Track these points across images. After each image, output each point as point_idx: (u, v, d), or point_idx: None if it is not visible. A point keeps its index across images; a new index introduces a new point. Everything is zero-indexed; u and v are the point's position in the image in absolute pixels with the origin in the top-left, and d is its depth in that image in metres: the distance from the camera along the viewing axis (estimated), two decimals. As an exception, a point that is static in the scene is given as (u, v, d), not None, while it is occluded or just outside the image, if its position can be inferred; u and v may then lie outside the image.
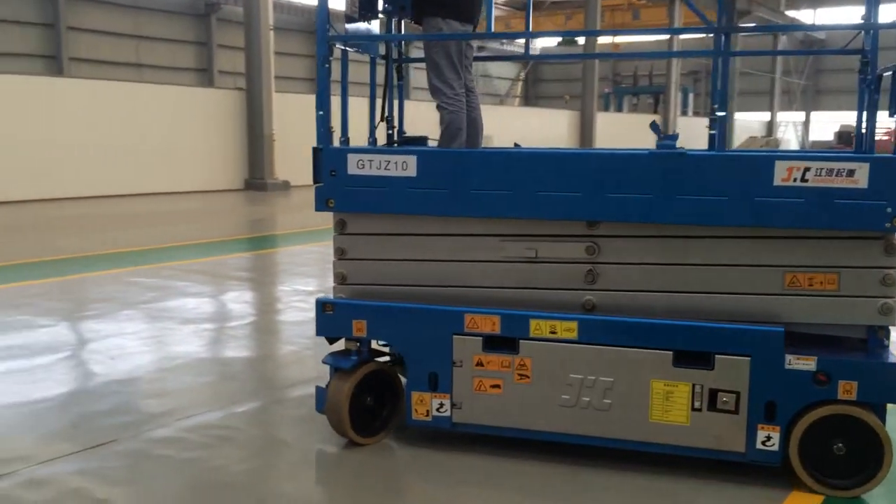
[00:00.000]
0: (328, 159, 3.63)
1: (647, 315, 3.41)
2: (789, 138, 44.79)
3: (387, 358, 3.91)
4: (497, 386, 3.50)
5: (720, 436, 3.31)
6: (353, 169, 3.60)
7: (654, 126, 3.65)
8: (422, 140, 4.21)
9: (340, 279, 3.73)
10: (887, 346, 3.31)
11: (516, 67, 40.95)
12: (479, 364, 3.50)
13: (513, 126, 28.11)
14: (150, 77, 22.75)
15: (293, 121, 17.46)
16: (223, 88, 19.91)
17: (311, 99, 4.18)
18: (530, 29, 4.70)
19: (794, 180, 3.16)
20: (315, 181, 3.66)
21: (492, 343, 3.50)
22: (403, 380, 3.80)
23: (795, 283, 3.31)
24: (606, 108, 35.95)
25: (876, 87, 3.43)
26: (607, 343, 3.38)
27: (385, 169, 3.56)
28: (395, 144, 4.33)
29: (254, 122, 18.28)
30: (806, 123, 46.79)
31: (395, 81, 4.40)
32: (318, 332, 3.75)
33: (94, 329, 5.92)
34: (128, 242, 10.39)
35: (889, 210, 3.09)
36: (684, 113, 35.78)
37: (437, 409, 3.58)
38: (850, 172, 3.12)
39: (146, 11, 23.95)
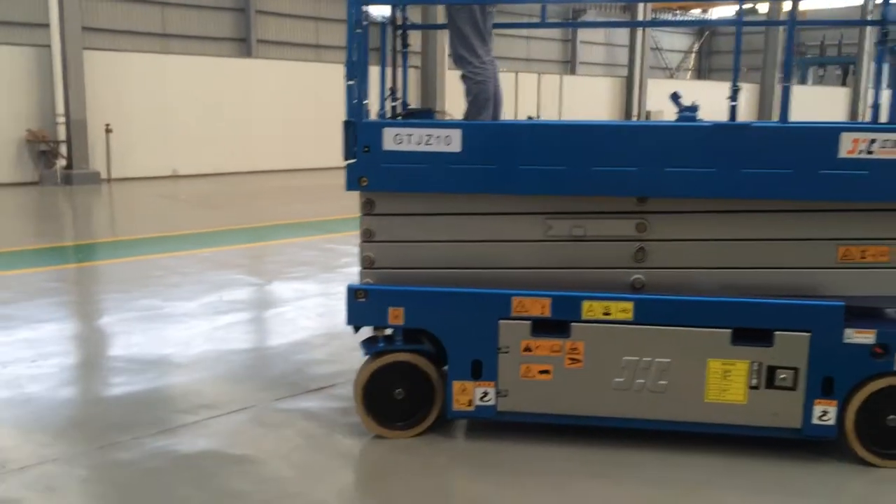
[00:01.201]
0: (362, 134, 3.35)
1: (696, 293, 3.31)
2: None
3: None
4: (546, 371, 3.34)
5: (777, 413, 3.25)
6: (389, 144, 3.32)
7: (673, 97, 3.47)
8: (428, 112, 3.88)
9: (368, 263, 3.48)
10: None
11: (689, 39, 39.32)
12: (527, 349, 3.33)
13: (684, 99, 27.22)
14: (328, 57, 23.93)
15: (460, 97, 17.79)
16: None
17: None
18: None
19: (860, 152, 3.08)
20: (346, 158, 3.37)
21: (540, 327, 3.33)
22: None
23: (848, 256, 3.24)
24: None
25: None
26: (664, 323, 3.27)
27: (426, 144, 3.30)
28: (399, 117, 4.04)
29: (427, 100, 18.85)
30: None
31: (400, 49, 4.12)
32: (349, 321, 3.48)
33: (299, 288, 6.52)
34: (317, 212, 11.15)
35: None
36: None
37: (481, 399, 3.40)
38: None
39: (326, -6, 25.19)
